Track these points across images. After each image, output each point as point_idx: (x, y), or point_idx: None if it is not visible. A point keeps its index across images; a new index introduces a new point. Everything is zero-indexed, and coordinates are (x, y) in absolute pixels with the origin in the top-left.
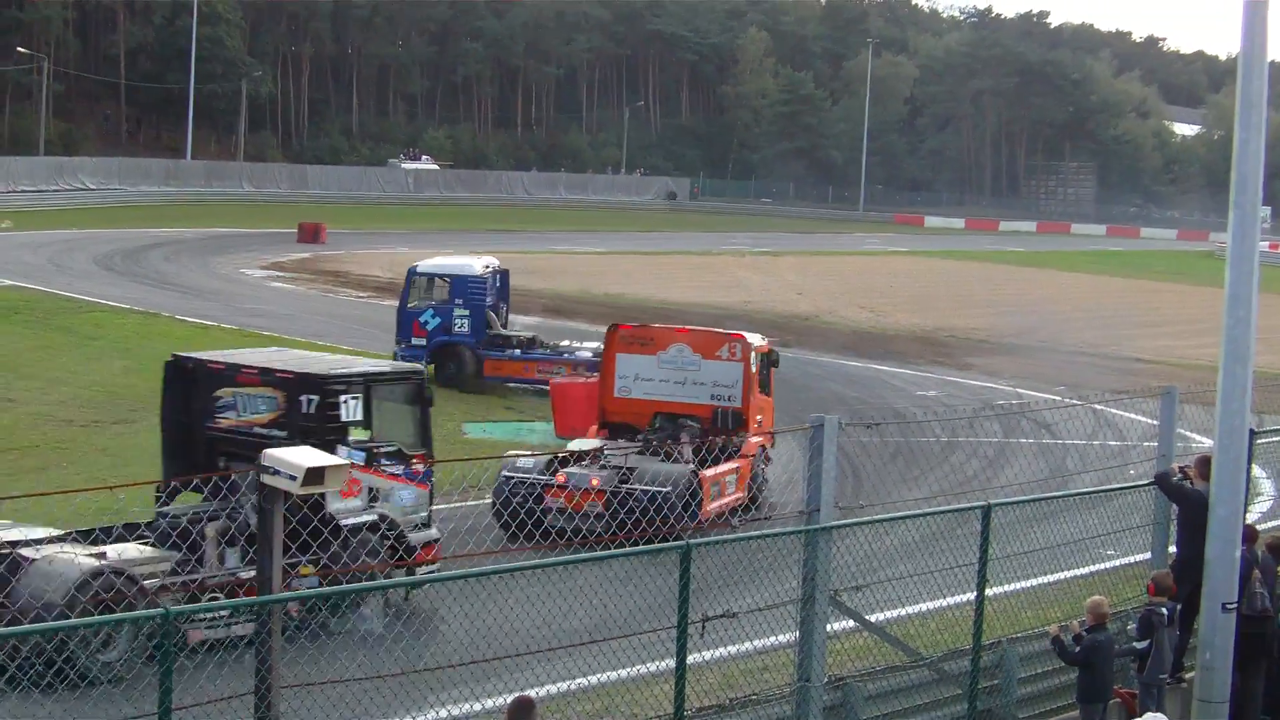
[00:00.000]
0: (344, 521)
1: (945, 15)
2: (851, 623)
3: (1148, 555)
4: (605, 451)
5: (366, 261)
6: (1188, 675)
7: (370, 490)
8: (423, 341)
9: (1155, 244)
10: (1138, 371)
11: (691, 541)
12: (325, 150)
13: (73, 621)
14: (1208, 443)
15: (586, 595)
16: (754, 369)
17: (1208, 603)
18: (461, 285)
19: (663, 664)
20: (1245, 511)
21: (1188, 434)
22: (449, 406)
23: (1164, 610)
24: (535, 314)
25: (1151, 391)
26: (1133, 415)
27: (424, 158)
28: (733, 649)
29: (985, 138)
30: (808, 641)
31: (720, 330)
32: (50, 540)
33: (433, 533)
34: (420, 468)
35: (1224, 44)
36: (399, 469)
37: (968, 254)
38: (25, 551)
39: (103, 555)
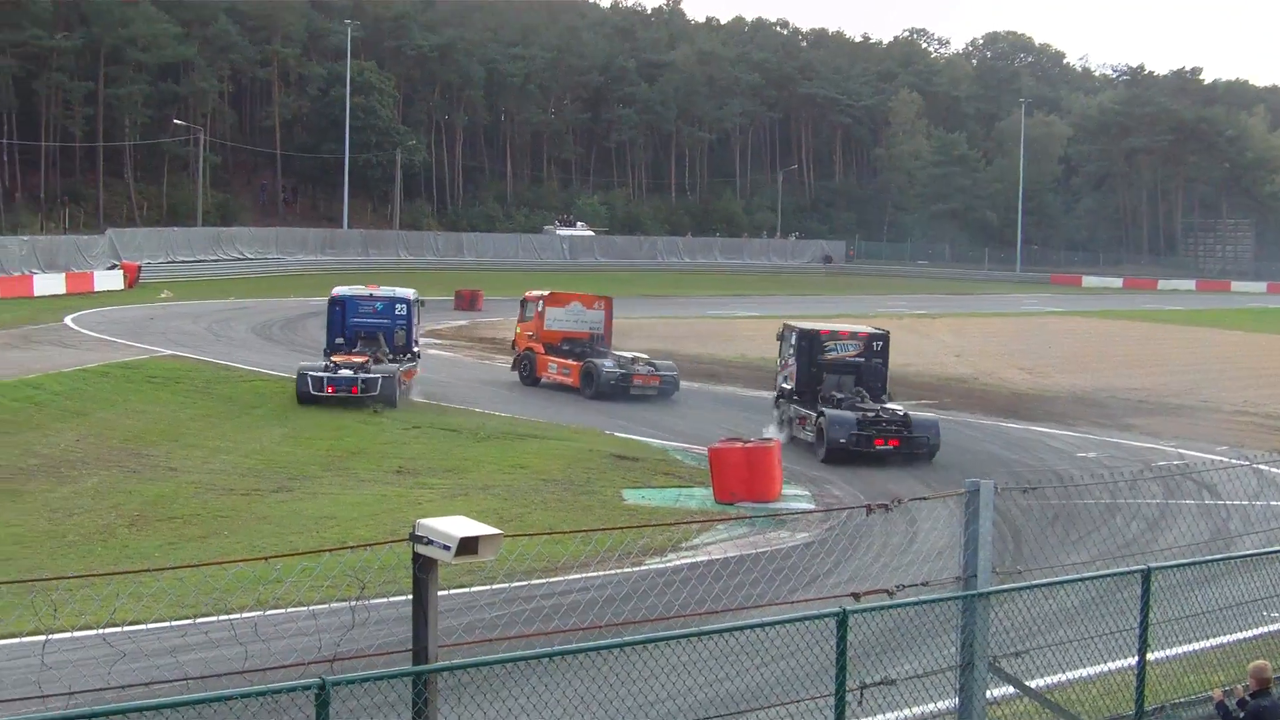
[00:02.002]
0: None
1: (1097, 73)
2: (1012, 689)
3: None
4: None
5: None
6: None
7: None
8: None
9: None
10: None
11: (848, 609)
12: (480, 217)
13: (228, 692)
14: None
15: (741, 660)
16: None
17: None
18: None
19: None
20: None
21: None
22: (609, 473)
23: None
24: (694, 379)
25: None
26: None
27: (578, 223)
28: (891, 716)
29: (1141, 196)
30: (968, 708)
31: (595, 294)
32: None
33: None
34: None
35: None
36: None
37: (1126, 313)
38: None
39: None
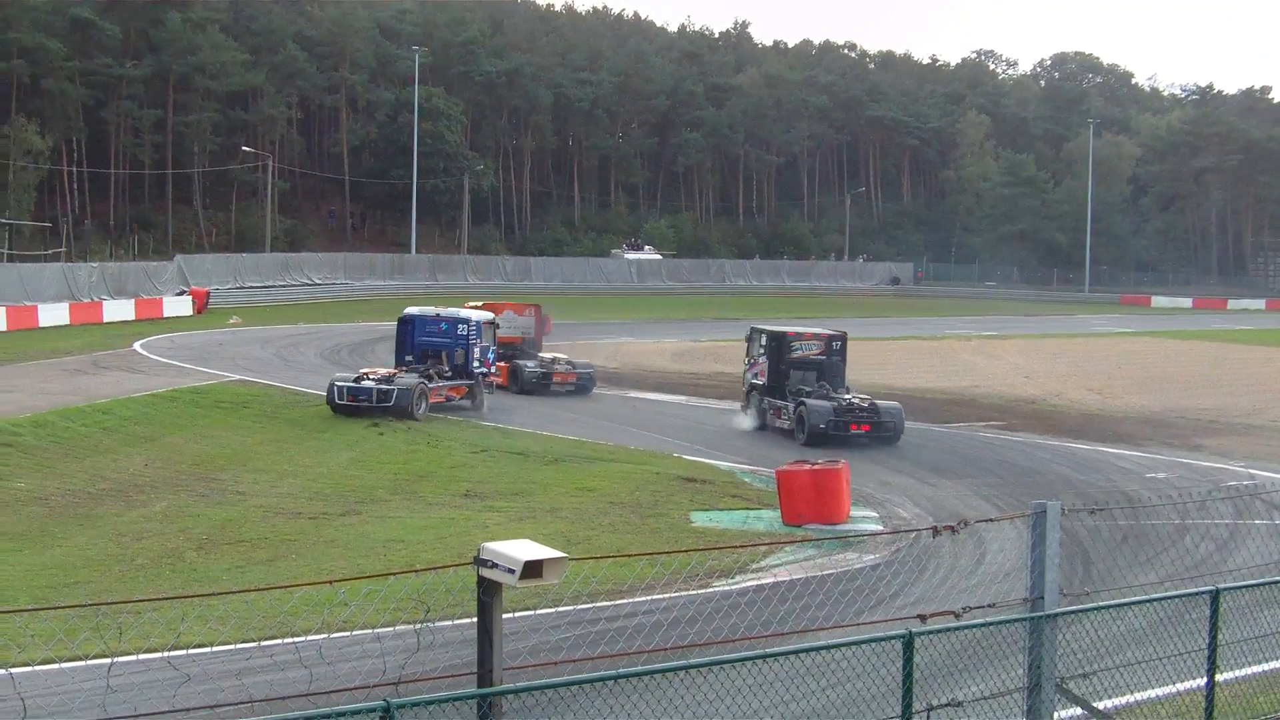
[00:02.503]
0: None
1: (1166, 93)
2: (1080, 710)
3: None
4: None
5: (590, 351)
6: None
7: None
8: None
9: None
10: None
11: (914, 630)
12: (548, 242)
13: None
14: None
15: (808, 683)
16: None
17: None
18: None
19: None
20: None
21: None
22: (677, 495)
23: None
24: None
25: None
26: None
27: (646, 247)
28: None
29: (1210, 216)
30: None
31: (526, 303)
32: None
33: None
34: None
35: None
36: None
37: (1196, 333)
38: None
39: None
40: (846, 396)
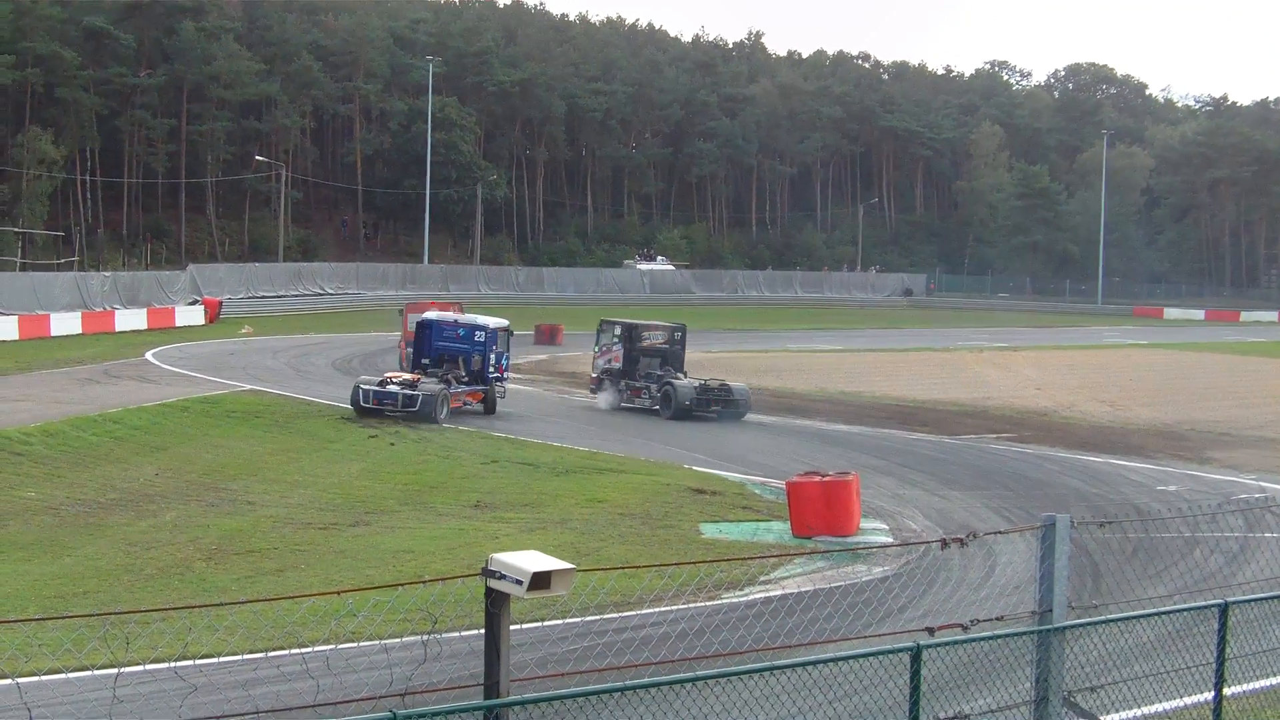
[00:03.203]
0: None
1: (1180, 104)
2: None
3: None
4: None
5: None
6: None
7: None
8: None
9: None
10: None
11: (922, 643)
12: (561, 252)
13: None
14: None
15: (815, 695)
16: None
17: None
18: None
19: None
20: None
21: None
22: (687, 507)
23: None
24: (773, 413)
25: None
26: None
27: (659, 258)
28: None
29: (1224, 227)
30: None
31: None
32: None
33: None
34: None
35: None
36: None
37: (1209, 345)
38: None
39: None
40: (702, 379)
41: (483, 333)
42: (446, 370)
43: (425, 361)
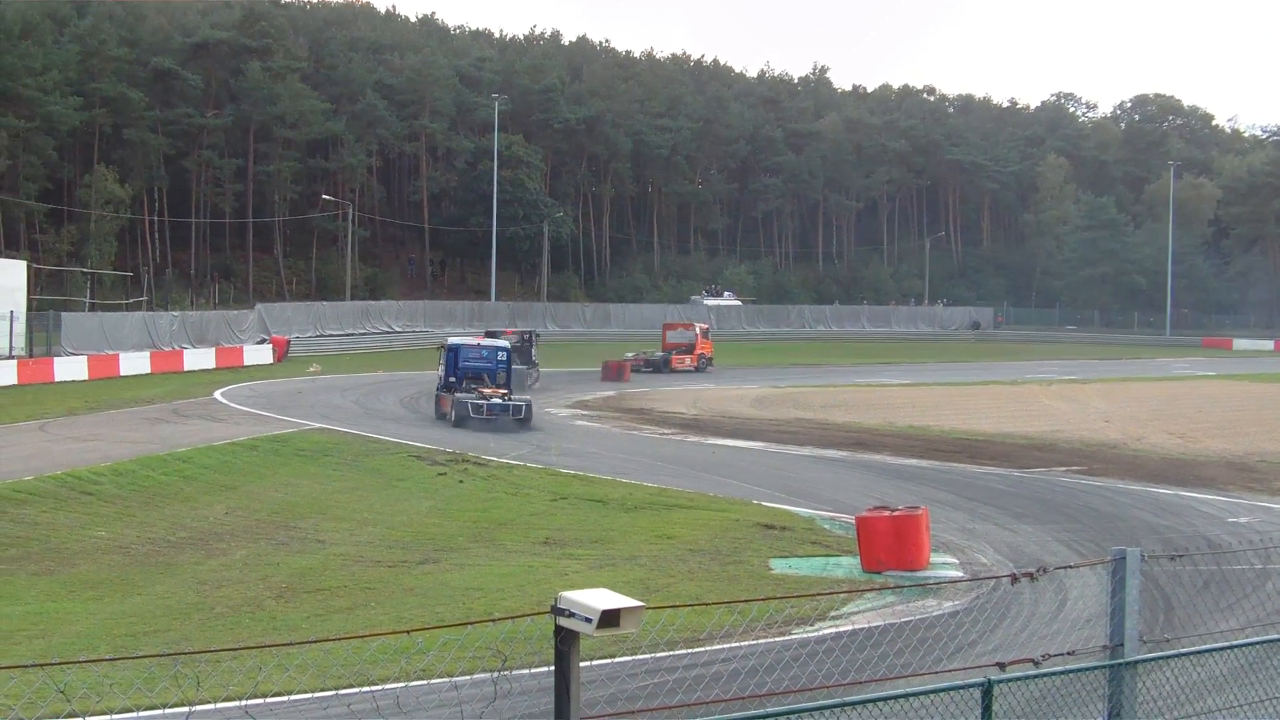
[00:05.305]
0: None
1: (1247, 134)
2: None
3: None
4: None
5: (670, 399)
6: None
7: None
8: None
9: None
10: None
11: (993, 679)
12: (627, 288)
13: None
14: None
15: None
16: None
17: None
18: None
19: None
20: None
21: None
22: (756, 542)
23: None
24: (842, 448)
25: None
26: None
27: (726, 293)
28: None
29: None
30: None
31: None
32: None
33: None
34: None
35: None
36: None
37: (1278, 377)
38: None
39: None
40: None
41: (504, 353)
42: (475, 385)
43: (452, 380)
